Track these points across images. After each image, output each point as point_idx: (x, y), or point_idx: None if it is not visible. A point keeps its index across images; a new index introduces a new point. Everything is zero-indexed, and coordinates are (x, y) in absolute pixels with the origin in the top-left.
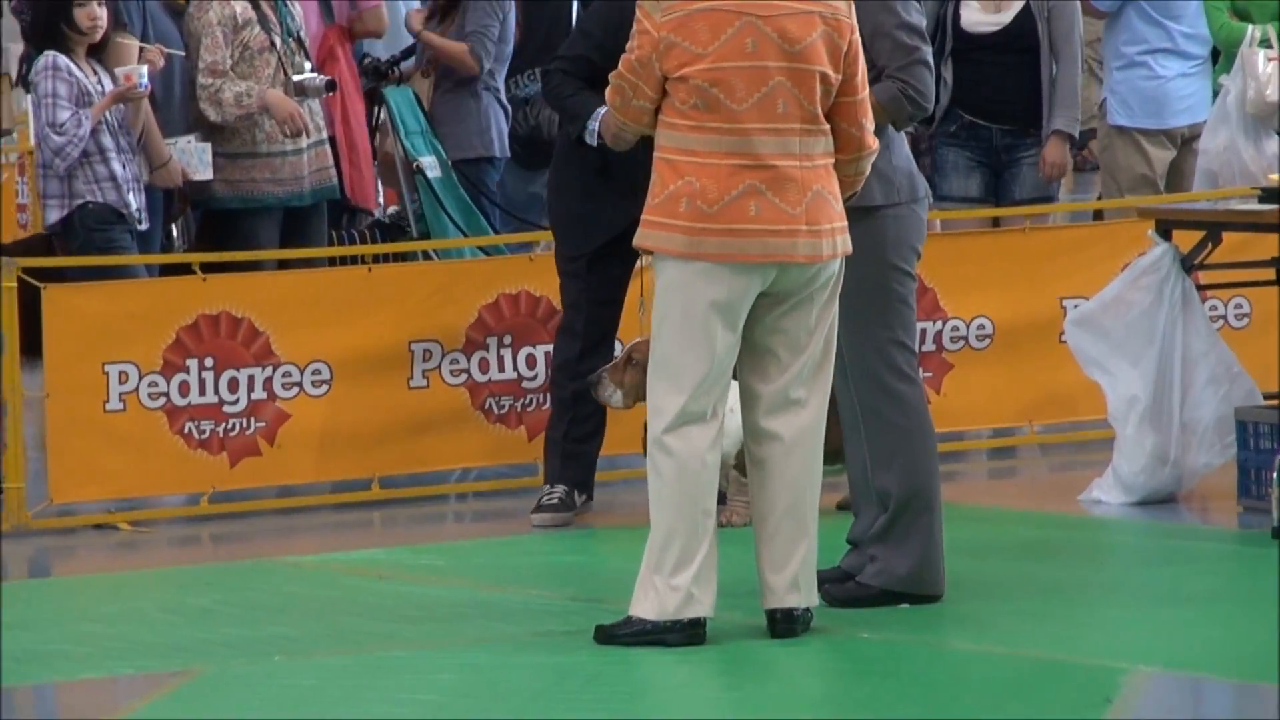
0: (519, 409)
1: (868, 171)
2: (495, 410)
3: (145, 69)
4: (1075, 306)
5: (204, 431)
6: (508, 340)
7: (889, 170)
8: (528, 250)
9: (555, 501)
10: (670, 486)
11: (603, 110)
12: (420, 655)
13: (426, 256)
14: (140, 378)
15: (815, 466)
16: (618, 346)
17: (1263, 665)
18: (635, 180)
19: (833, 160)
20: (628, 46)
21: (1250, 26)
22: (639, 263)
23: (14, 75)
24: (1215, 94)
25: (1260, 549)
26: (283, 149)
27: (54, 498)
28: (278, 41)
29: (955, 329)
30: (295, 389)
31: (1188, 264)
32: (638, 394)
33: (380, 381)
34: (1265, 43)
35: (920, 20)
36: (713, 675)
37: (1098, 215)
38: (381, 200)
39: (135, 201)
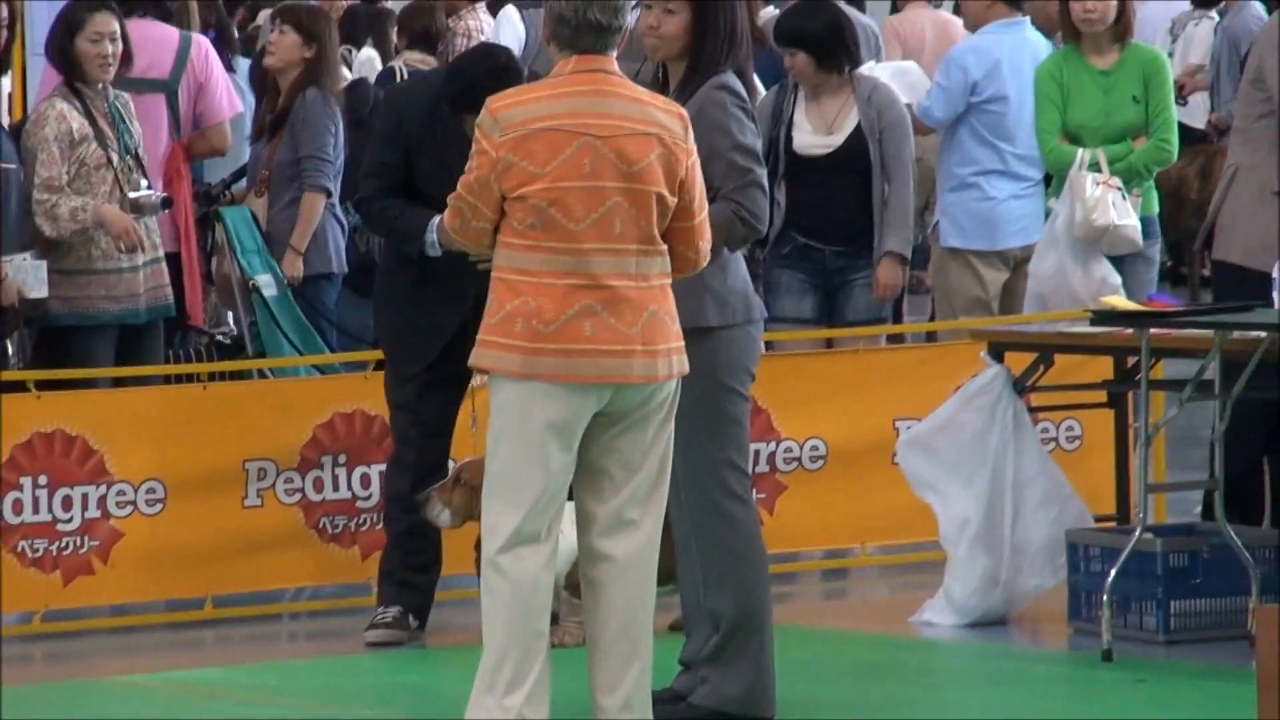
0: (353, 528)
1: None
2: (329, 529)
3: None
4: (908, 428)
5: (37, 550)
6: (342, 459)
7: (724, 291)
8: (363, 369)
9: (390, 619)
10: (504, 608)
11: (436, 219)
12: None
13: (262, 375)
14: None
15: (649, 587)
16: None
17: None
18: (460, 285)
19: (669, 280)
20: (466, 167)
21: (1080, 150)
22: (473, 381)
23: None
24: (1047, 216)
25: (1090, 671)
26: (118, 266)
27: None
28: (114, 158)
29: (789, 450)
30: (129, 507)
31: (1020, 386)
32: (466, 513)
33: (215, 500)
34: (1095, 166)
35: (755, 142)
36: None
37: (930, 336)
38: (231, 321)
39: None
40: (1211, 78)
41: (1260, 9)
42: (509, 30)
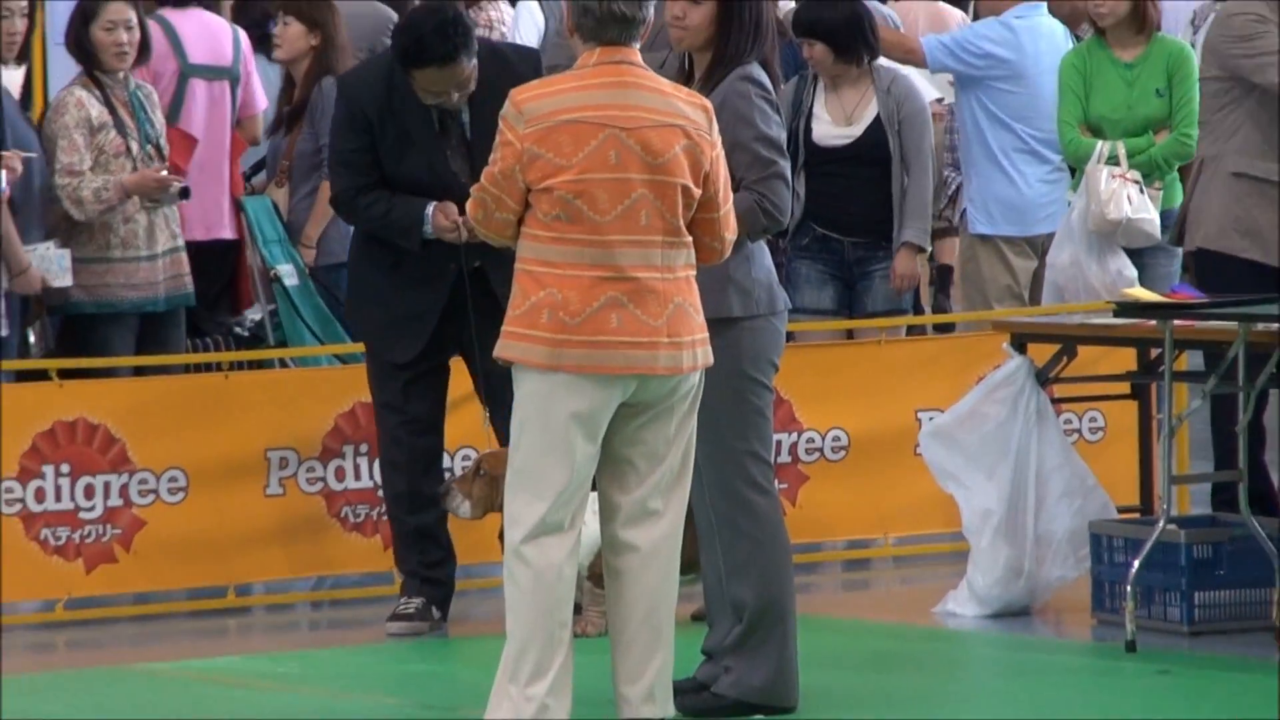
0: (375, 517)
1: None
2: (351, 519)
3: (3, 174)
4: (930, 419)
5: (60, 538)
6: (364, 449)
7: (748, 283)
8: None
9: (411, 610)
10: (527, 597)
11: (429, 207)
12: None
13: (283, 364)
14: None
15: (672, 577)
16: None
17: None
18: (440, 265)
19: (694, 272)
20: (490, 159)
21: (1100, 143)
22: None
23: None
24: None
25: (1113, 662)
26: (137, 254)
27: None
28: (134, 146)
29: (811, 440)
30: (151, 496)
31: (1043, 377)
32: (487, 505)
33: (236, 489)
34: (1114, 159)
35: (779, 134)
36: None
37: (947, 327)
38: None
39: None
40: None
41: None
42: (528, 21)
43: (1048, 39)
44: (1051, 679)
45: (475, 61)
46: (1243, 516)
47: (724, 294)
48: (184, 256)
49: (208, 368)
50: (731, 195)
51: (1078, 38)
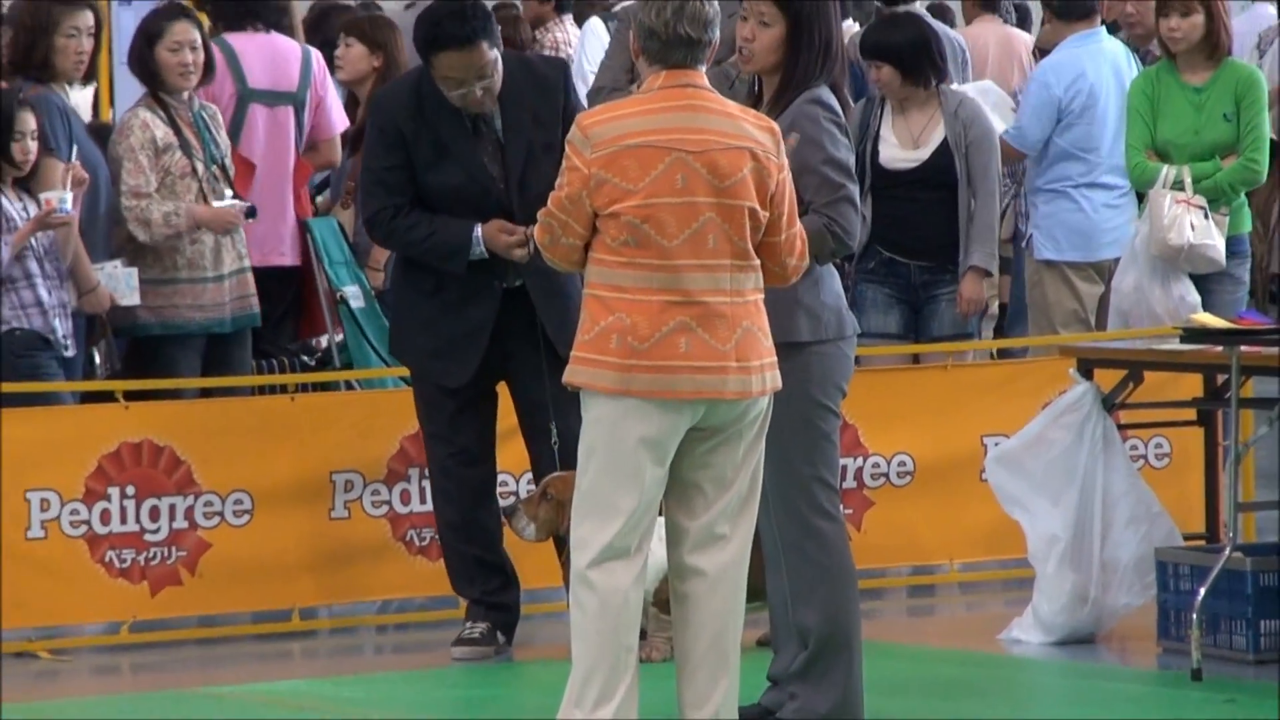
0: (439, 541)
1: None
2: (416, 542)
3: (69, 195)
4: (996, 444)
5: (125, 560)
6: (429, 472)
7: (817, 306)
8: None
9: (477, 635)
10: (593, 621)
11: (477, 229)
12: None
13: (349, 386)
14: (62, 505)
15: (738, 602)
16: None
17: None
18: (484, 282)
19: (763, 295)
20: (556, 184)
21: (1165, 167)
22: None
23: None
24: None
25: (1179, 691)
26: (204, 275)
27: None
28: (199, 167)
29: (876, 465)
30: (217, 518)
31: (1109, 403)
32: (551, 528)
33: (302, 512)
34: (1179, 184)
35: (848, 157)
36: None
37: (1005, 353)
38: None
39: (61, 328)
40: None
41: None
42: (594, 42)
43: (1110, 63)
44: (1116, 707)
45: (497, 53)
46: None
47: (792, 318)
48: (250, 277)
49: (273, 390)
50: (798, 218)
51: (1141, 56)
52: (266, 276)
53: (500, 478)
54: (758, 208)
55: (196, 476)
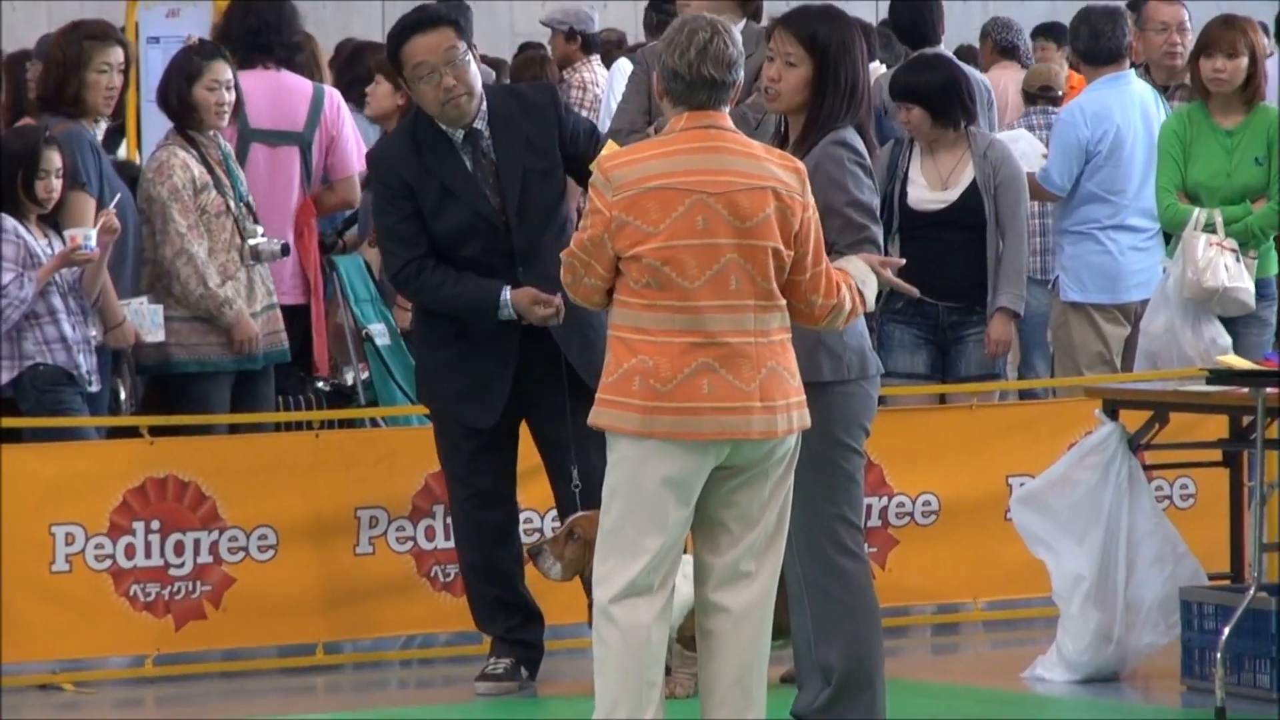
0: None
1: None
2: (441, 578)
3: (93, 232)
4: (1021, 484)
5: (149, 594)
6: (450, 512)
7: (839, 347)
8: None
9: (500, 671)
10: (615, 657)
11: (505, 292)
12: None
13: (374, 423)
14: (87, 539)
15: (763, 639)
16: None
17: None
18: (505, 329)
19: (789, 335)
20: (580, 225)
21: (1197, 210)
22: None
23: None
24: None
25: None
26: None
27: None
28: (232, 205)
29: (901, 505)
30: (241, 553)
31: (1134, 444)
32: (577, 567)
33: (326, 547)
34: (1210, 227)
35: (872, 199)
36: None
37: (1028, 394)
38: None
39: (85, 363)
40: None
41: None
42: (623, 82)
43: (1139, 106)
44: None
45: (468, 46)
46: None
47: (815, 358)
48: (279, 313)
49: (298, 426)
50: (825, 258)
51: (1166, 95)
52: None
53: (525, 515)
54: (781, 248)
55: (221, 511)
